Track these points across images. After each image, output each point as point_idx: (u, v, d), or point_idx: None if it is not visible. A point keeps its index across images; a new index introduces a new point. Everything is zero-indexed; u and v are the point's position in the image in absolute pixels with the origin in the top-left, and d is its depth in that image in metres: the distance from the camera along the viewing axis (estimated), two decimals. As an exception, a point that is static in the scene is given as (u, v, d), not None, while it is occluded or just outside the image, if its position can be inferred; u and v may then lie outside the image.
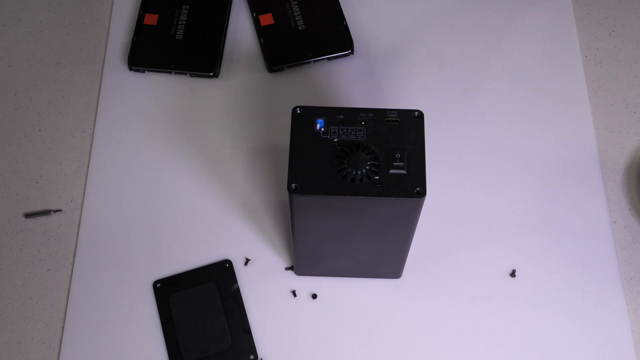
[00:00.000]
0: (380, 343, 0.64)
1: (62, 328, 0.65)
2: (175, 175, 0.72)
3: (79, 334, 0.65)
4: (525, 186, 0.71)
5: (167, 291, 0.66)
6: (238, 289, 0.66)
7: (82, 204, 0.70)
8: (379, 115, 0.54)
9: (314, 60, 0.76)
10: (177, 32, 0.78)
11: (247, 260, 0.68)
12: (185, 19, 0.79)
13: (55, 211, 0.70)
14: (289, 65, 0.76)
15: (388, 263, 0.64)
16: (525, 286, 0.67)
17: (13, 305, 0.66)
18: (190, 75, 0.76)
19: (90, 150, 0.73)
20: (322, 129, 0.53)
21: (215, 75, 0.76)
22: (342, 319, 0.65)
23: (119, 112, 0.75)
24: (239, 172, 0.72)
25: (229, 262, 0.67)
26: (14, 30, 0.80)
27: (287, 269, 0.67)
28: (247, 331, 0.64)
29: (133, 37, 0.78)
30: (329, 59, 0.77)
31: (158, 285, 0.66)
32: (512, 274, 0.67)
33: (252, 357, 0.63)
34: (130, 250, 0.68)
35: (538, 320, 0.65)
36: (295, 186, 0.51)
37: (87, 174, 0.72)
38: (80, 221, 0.69)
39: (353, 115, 0.54)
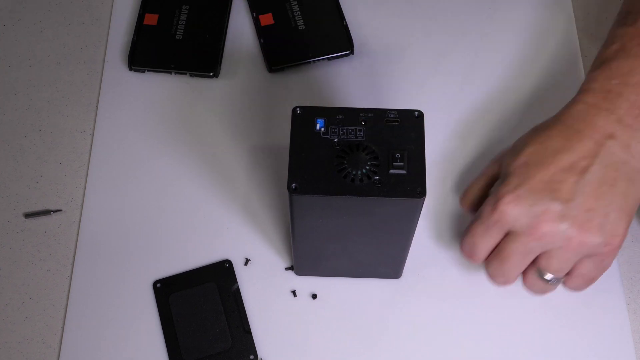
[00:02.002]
0: (381, 343, 0.64)
1: (62, 328, 0.65)
2: (176, 175, 0.72)
3: (79, 334, 0.65)
4: (525, 186, 0.71)
5: (167, 291, 0.66)
6: (238, 289, 0.66)
7: (82, 204, 0.70)
8: (379, 115, 0.54)
9: (314, 60, 0.76)
10: (177, 32, 0.78)
11: (247, 261, 0.68)
12: (185, 19, 0.79)
13: (55, 211, 0.70)
14: (289, 65, 0.76)
15: (388, 263, 0.64)
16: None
17: (13, 305, 0.66)
18: (190, 75, 0.76)
19: (90, 150, 0.73)
20: (322, 129, 0.53)
21: (215, 75, 0.76)
22: (342, 319, 0.65)
23: (119, 112, 0.75)
24: (239, 172, 0.72)
25: (229, 262, 0.67)
26: (14, 30, 0.80)
27: (287, 269, 0.67)
28: (247, 331, 0.64)
29: (133, 37, 0.78)
30: (329, 59, 0.77)
31: (158, 285, 0.66)
32: None
33: (252, 357, 0.63)
34: (130, 250, 0.68)
35: (537, 320, 0.65)
36: (295, 186, 0.51)
37: (87, 174, 0.72)
38: (80, 221, 0.69)
39: (353, 115, 0.54)
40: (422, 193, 0.51)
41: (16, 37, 0.80)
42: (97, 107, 0.75)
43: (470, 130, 0.74)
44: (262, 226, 0.69)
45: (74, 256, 0.68)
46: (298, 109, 0.54)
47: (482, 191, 0.64)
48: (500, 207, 0.57)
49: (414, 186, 0.51)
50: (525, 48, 0.79)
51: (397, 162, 0.52)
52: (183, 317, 0.65)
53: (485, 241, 0.60)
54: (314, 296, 0.66)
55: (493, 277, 0.61)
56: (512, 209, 0.57)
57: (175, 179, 0.71)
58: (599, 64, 0.61)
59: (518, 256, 0.58)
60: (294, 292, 0.66)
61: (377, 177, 0.51)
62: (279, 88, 0.76)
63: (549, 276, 0.60)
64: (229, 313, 0.65)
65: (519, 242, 0.58)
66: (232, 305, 0.65)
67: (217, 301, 0.65)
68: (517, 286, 0.67)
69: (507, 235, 0.59)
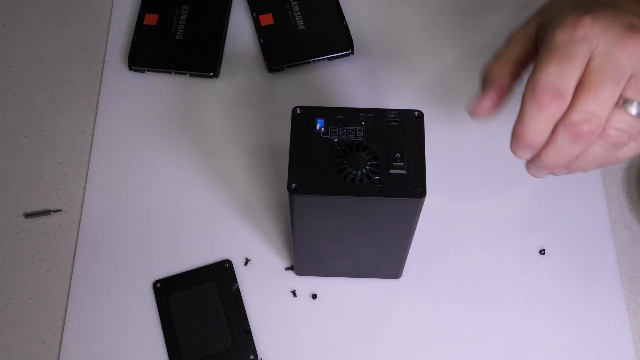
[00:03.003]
0: (380, 343, 0.64)
1: (62, 328, 0.65)
2: (176, 175, 0.72)
3: (79, 334, 0.65)
4: (525, 186, 0.71)
5: (167, 291, 0.66)
6: (238, 289, 0.66)
7: (82, 204, 0.70)
8: (379, 115, 0.54)
9: (314, 60, 0.76)
10: (177, 32, 0.78)
11: (247, 260, 0.68)
12: (185, 19, 0.79)
13: (55, 211, 0.70)
14: (289, 65, 0.76)
15: (388, 263, 0.64)
16: (525, 286, 0.67)
17: (13, 305, 0.66)
18: (190, 75, 0.76)
19: (90, 150, 0.73)
20: (322, 129, 0.53)
21: (215, 75, 0.76)
22: (342, 319, 0.65)
23: (119, 112, 0.75)
24: (239, 172, 0.72)
25: (229, 262, 0.67)
26: (14, 30, 0.80)
27: (287, 269, 0.67)
28: (247, 331, 0.64)
29: (133, 37, 0.78)
30: (329, 59, 0.77)
31: (158, 285, 0.66)
32: (542, 252, 0.68)
33: (252, 357, 0.63)
34: (130, 250, 0.68)
35: (538, 320, 0.65)
36: (295, 186, 0.51)
37: (87, 174, 0.72)
38: (80, 221, 0.69)
39: (353, 115, 0.54)
40: (422, 193, 0.51)
41: (16, 37, 0.80)
42: (97, 107, 0.75)
43: (470, 130, 0.74)
44: (262, 226, 0.69)
45: (74, 256, 0.68)
46: (298, 109, 0.54)
47: (518, 62, 0.52)
48: (583, 22, 0.46)
49: (414, 186, 0.51)
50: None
51: (397, 162, 0.52)
52: (183, 317, 0.65)
53: (571, 67, 0.45)
54: (314, 296, 0.66)
55: (582, 122, 0.45)
56: (595, 22, 0.45)
57: (175, 179, 0.71)
58: None
59: (611, 80, 0.45)
60: (294, 292, 0.66)
61: (377, 177, 0.51)
62: (279, 88, 0.76)
63: (636, 107, 0.46)
64: (229, 313, 0.65)
65: (610, 60, 0.45)
66: (232, 305, 0.65)
67: (217, 301, 0.65)
68: (517, 287, 0.67)
69: (589, 64, 0.46)
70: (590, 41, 0.45)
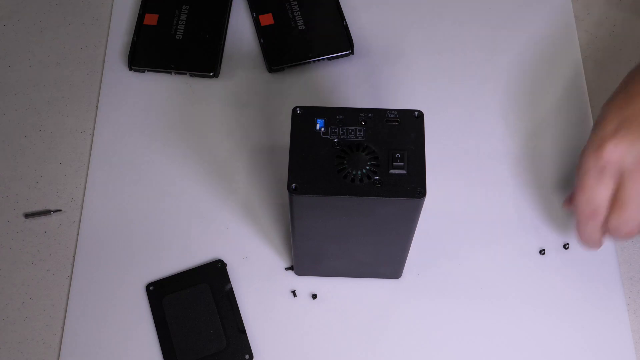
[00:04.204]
0: (380, 343, 0.64)
1: (62, 328, 0.65)
2: (176, 175, 0.72)
3: (79, 334, 0.65)
4: (525, 186, 0.71)
5: (161, 293, 0.66)
6: (231, 289, 0.66)
7: (82, 204, 0.70)
8: (379, 115, 0.54)
9: (314, 60, 0.76)
10: (177, 32, 0.78)
11: (242, 259, 0.67)
12: (185, 19, 0.79)
13: (55, 211, 0.70)
14: (289, 65, 0.76)
15: (388, 263, 0.64)
16: (525, 286, 0.67)
17: (13, 305, 0.66)
18: (190, 75, 0.76)
19: (90, 150, 0.73)
20: (322, 129, 0.53)
21: (215, 75, 0.76)
22: (342, 319, 0.65)
23: (119, 112, 0.75)
24: (239, 172, 0.72)
25: (220, 261, 0.67)
26: (14, 30, 0.80)
27: (287, 269, 0.67)
28: (242, 331, 0.64)
29: (133, 37, 0.78)
30: (329, 59, 0.77)
31: (151, 288, 0.66)
32: (542, 252, 0.67)
33: (247, 356, 0.63)
34: (131, 250, 0.68)
35: (538, 320, 0.65)
36: (295, 186, 0.51)
37: (87, 174, 0.72)
38: (80, 221, 0.69)
39: (353, 115, 0.54)
40: (422, 193, 0.51)
41: (16, 37, 0.80)
42: (97, 107, 0.75)
43: (470, 130, 0.74)
44: (262, 226, 0.69)
45: (74, 256, 0.68)
46: (298, 109, 0.54)
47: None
48: (604, 150, 0.58)
49: (414, 186, 0.51)
50: (525, 47, 0.79)
51: (397, 162, 0.52)
52: (177, 319, 0.65)
53: (600, 190, 0.59)
54: (314, 296, 0.66)
55: (616, 230, 0.59)
56: (616, 148, 0.57)
57: (175, 180, 0.71)
58: None
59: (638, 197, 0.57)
60: (294, 292, 0.66)
61: (377, 177, 0.51)
62: (279, 88, 0.76)
63: None
64: (222, 313, 0.65)
65: (635, 180, 0.57)
66: (226, 306, 0.65)
67: (210, 302, 0.65)
68: (517, 287, 0.67)
69: (621, 180, 0.58)
70: (614, 165, 0.57)
